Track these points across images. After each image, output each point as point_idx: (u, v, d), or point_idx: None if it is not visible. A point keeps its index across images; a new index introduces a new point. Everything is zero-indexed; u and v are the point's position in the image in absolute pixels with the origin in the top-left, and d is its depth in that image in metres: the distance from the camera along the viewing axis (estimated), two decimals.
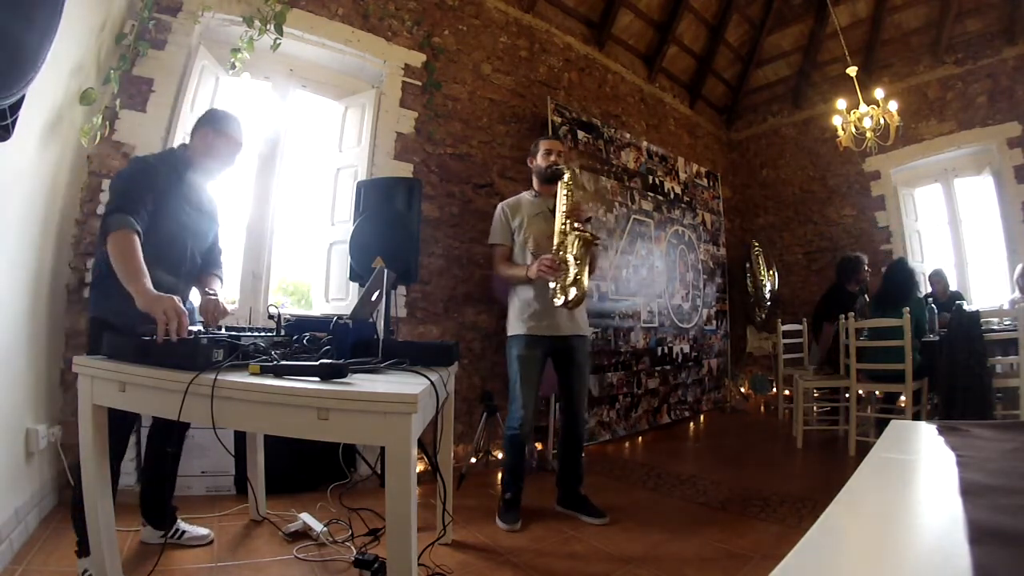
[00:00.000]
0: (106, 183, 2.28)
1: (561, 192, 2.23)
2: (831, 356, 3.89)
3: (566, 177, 2.24)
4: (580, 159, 3.81)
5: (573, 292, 2.13)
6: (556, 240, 2.20)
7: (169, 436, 1.85)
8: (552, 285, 2.19)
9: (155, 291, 1.36)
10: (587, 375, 2.44)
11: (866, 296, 3.80)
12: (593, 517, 2.29)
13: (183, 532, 1.89)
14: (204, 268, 1.91)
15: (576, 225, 2.16)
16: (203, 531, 1.93)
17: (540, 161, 2.40)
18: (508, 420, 2.32)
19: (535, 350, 2.30)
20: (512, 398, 2.30)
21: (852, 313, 3.41)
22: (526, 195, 2.48)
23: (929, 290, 4.23)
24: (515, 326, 2.33)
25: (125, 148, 2.35)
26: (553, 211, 2.30)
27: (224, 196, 2.08)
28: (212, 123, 1.81)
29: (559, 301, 2.16)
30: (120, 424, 1.46)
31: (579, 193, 2.32)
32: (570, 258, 2.14)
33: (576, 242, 2.14)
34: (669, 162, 4.74)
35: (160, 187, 1.65)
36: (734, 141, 6.21)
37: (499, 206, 2.46)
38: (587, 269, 2.17)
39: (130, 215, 1.50)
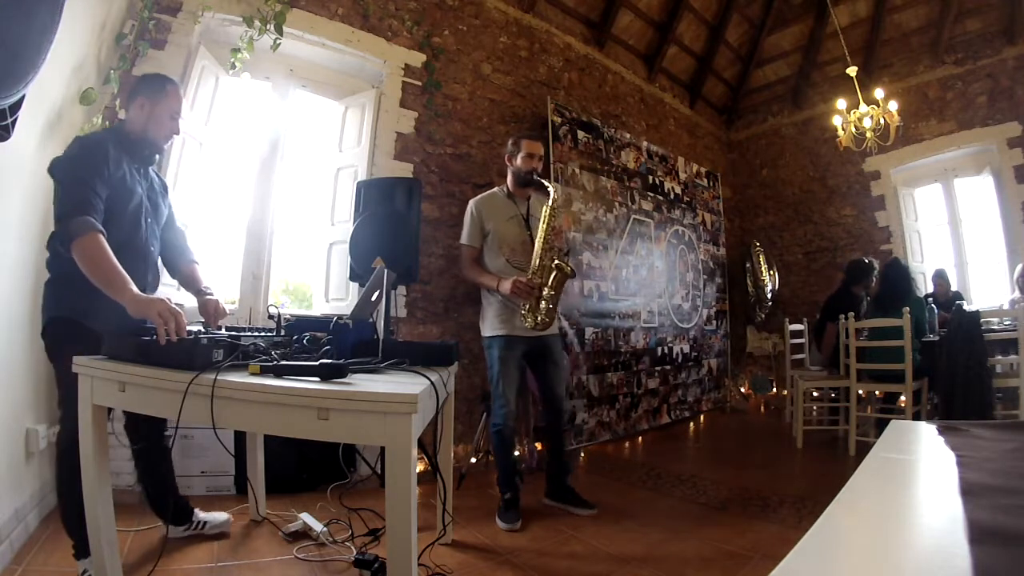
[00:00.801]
0: None
1: (545, 213, 2.24)
2: (834, 357, 3.89)
3: (551, 200, 2.23)
4: (580, 159, 3.81)
5: (541, 319, 2.21)
6: (534, 263, 2.22)
7: (143, 432, 1.78)
8: (523, 308, 2.23)
9: (144, 295, 1.32)
10: (565, 370, 2.49)
11: (866, 303, 3.80)
12: (582, 508, 2.32)
13: (205, 523, 1.92)
14: (178, 256, 1.84)
15: (557, 259, 2.21)
16: (222, 516, 1.97)
17: (520, 164, 2.36)
18: (492, 418, 2.33)
19: (515, 350, 2.32)
20: (495, 396, 2.31)
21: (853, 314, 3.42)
22: (498, 193, 2.44)
23: (931, 290, 4.23)
24: (495, 327, 2.33)
25: None
26: (526, 216, 2.34)
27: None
28: (145, 90, 1.67)
29: (528, 324, 2.22)
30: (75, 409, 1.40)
31: (560, 214, 2.38)
32: (545, 289, 2.20)
33: (554, 274, 2.19)
34: (669, 162, 4.74)
35: (112, 166, 1.53)
36: (734, 141, 6.21)
37: (471, 204, 2.41)
38: (558, 300, 2.24)
39: (87, 213, 1.38)
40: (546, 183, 2.28)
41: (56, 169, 1.50)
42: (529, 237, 2.34)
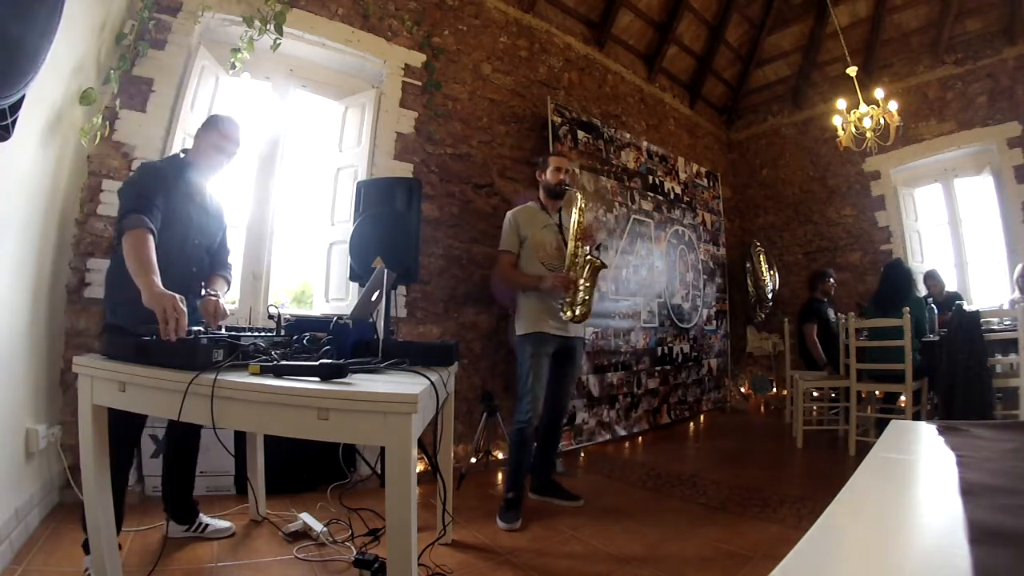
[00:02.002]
0: (106, 183, 2.28)
1: (574, 215, 2.40)
2: (829, 354, 3.91)
3: (580, 203, 2.40)
4: (580, 159, 3.81)
5: (580, 310, 2.34)
6: (568, 260, 2.37)
7: (186, 435, 1.90)
8: (560, 301, 2.36)
9: (161, 287, 1.37)
10: (577, 374, 2.65)
11: (832, 309, 4.17)
12: (568, 500, 2.42)
13: (206, 525, 1.95)
14: (211, 268, 1.94)
15: (589, 252, 2.36)
16: (225, 524, 1.98)
17: (549, 177, 2.52)
18: (517, 415, 2.37)
19: (547, 347, 2.41)
20: (523, 393, 2.37)
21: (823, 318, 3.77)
22: (533, 205, 2.59)
23: (925, 292, 4.23)
24: (529, 325, 2.42)
25: (125, 148, 2.35)
26: (560, 225, 2.52)
27: (226, 196, 2.10)
28: (206, 124, 1.89)
29: (567, 316, 2.35)
30: (127, 434, 1.46)
31: (588, 216, 2.52)
32: (580, 281, 2.34)
33: (587, 267, 2.34)
34: (669, 162, 4.74)
35: (169, 188, 1.70)
36: (734, 141, 6.21)
37: (509, 214, 2.56)
38: (594, 291, 2.38)
39: (144, 214, 1.53)
40: (573, 189, 2.49)
41: (121, 188, 1.69)
42: (564, 243, 2.48)
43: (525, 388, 2.36)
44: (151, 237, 1.51)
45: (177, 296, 1.30)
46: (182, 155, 1.87)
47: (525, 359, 2.39)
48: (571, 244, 2.38)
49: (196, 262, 1.84)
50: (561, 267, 2.40)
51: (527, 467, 2.38)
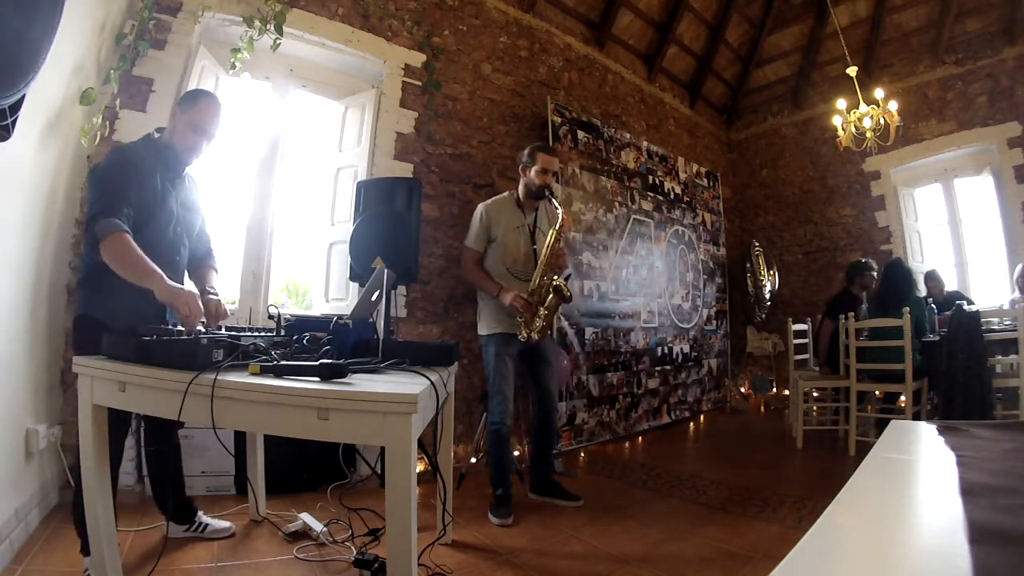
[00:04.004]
0: None
1: (551, 237, 2.31)
2: (832, 355, 3.90)
3: (558, 223, 2.29)
4: (580, 159, 3.81)
5: (535, 335, 2.30)
6: (535, 282, 2.30)
7: (160, 435, 1.86)
8: (519, 319, 2.31)
9: (172, 283, 1.38)
10: (557, 371, 2.59)
11: (865, 306, 3.88)
12: (568, 500, 2.40)
13: (206, 525, 1.94)
14: (198, 258, 1.89)
15: (556, 281, 2.29)
16: (224, 524, 1.97)
17: (534, 177, 2.39)
18: (490, 416, 2.38)
19: (511, 347, 2.38)
20: (492, 394, 2.37)
21: (852, 314, 3.45)
22: (508, 199, 2.48)
23: (925, 292, 4.22)
24: (491, 325, 2.40)
25: None
26: (534, 229, 2.43)
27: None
28: (181, 101, 1.75)
29: (522, 336, 2.31)
30: (113, 431, 1.45)
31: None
32: (541, 309, 2.30)
33: (550, 296, 2.28)
34: (669, 162, 4.74)
35: (145, 176, 1.60)
36: (734, 141, 6.20)
37: (480, 208, 2.45)
38: (552, 318, 2.35)
39: (115, 216, 1.46)
40: (556, 202, 2.33)
41: (93, 176, 1.61)
42: (533, 250, 2.41)
43: (493, 389, 2.36)
44: (130, 237, 1.45)
45: (195, 292, 1.36)
46: (156, 135, 1.73)
47: (489, 359, 2.38)
48: (541, 266, 2.30)
49: (178, 251, 1.76)
50: (526, 273, 2.35)
51: (510, 465, 2.39)
